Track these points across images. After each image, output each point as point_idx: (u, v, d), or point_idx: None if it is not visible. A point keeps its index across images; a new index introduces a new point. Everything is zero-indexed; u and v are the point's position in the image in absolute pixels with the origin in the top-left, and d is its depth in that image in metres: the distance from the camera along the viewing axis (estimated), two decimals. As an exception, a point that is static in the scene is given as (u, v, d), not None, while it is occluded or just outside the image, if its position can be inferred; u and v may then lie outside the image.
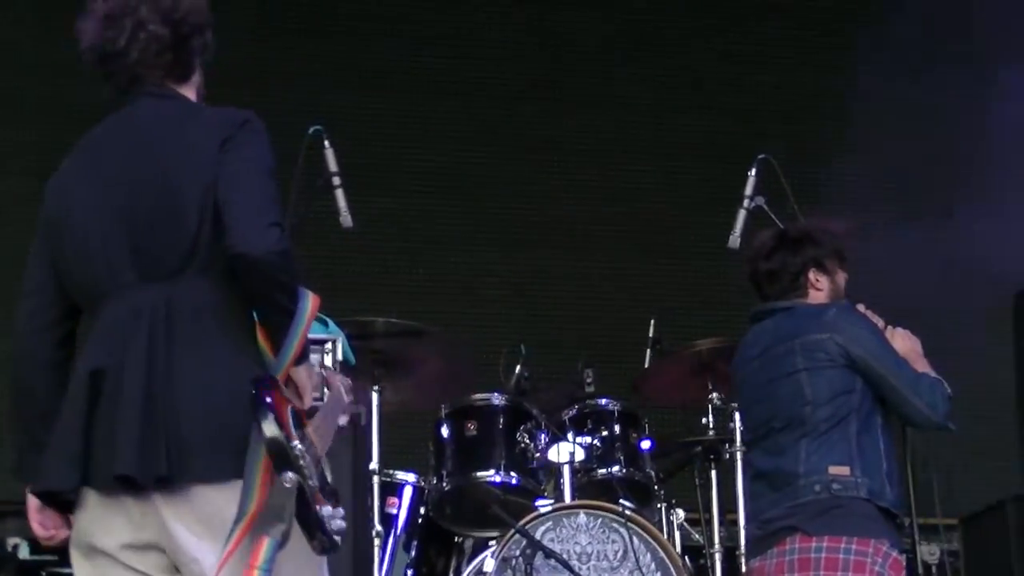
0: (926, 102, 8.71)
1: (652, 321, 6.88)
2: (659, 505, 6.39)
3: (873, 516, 5.04)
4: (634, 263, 8.49)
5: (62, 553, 4.12)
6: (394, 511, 6.26)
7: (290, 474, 3.52)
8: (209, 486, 3.64)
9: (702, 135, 8.62)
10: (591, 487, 6.27)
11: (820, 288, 5.37)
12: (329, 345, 5.38)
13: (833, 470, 5.05)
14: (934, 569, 6.33)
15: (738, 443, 6.39)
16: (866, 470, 5.06)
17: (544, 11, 8.73)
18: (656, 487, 6.37)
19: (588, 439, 6.32)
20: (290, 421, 3.59)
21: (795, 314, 5.32)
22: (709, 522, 6.39)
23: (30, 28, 8.00)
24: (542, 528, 5.90)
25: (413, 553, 6.25)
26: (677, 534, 6.41)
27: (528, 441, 6.22)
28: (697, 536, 6.50)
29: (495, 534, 6.04)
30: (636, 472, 6.31)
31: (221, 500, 3.63)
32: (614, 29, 8.74)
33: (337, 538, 3.60)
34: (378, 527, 6.05)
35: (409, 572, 6.20)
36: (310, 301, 3.76)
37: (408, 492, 6.29)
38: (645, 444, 6.39)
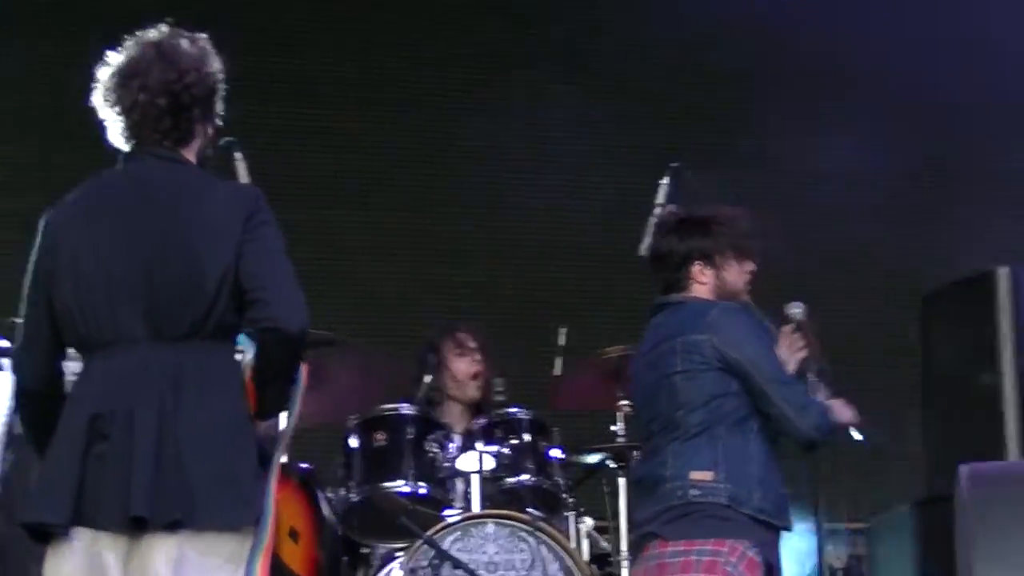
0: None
1: (562, 330, 6.82)
2: (568, 514, 6.37)
3: (733, 519, 4.93)
4: (543, 271, 8.49)
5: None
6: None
7: None
8: (213, 534, 3.91)
9: (616, 143, 8.65)
10: (500, 496, 6.27)
11: (703, 282, 5.18)
12: (239, 356, 5.20)
13: (695, 475, 4.93)
14: (840, 573, 6.38)
15: None
16: (731, 476, 4.93)
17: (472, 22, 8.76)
18: (565, 495, 6.36)
19: (497, 448, 6.32)
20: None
21: (683, 310, 5.18)
22: (617, 530, 6.36)
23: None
24: (450, 538, 5.90)
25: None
26: (585, 542, 6.39)
27: (437, 451, 6.21)
28: (605, 544, 6.49)
29: (403, 545, 6.03)
30: (545, 481, 6.31)
31: (219, 545, 3.92)
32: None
33: None
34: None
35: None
36: (303, 372, 4.09)
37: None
38: (555, 453, 6.39)
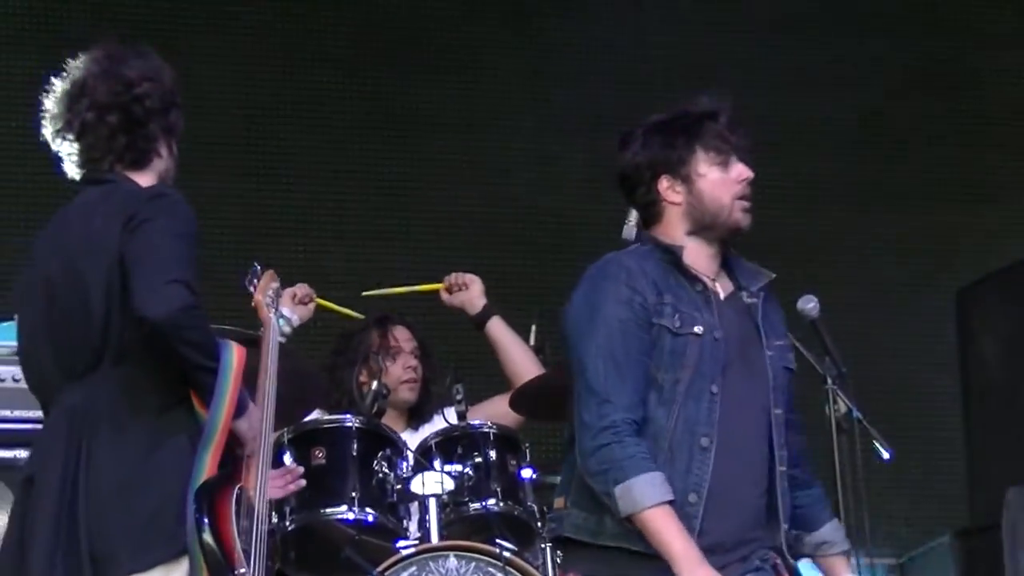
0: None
1: (533, 327, 6.58)
2: (542, 545, 5.97)
3: (574, 551, 4.33)
4: (510, 261, 8.35)
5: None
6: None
7: None
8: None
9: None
10: (463, 524, 5.94)
11: (675, 202, 4.30)
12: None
13: (556, 504, 4.40)
14: None
15: None
16: (578, 501, 4.28)
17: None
18: (539, 523, 5.97)
19: (458, 467, 5.96)
20: (233, 526, 4.01)
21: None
22: None
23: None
24: (405, 574, 5.59)
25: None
26: None
27: (387, 471, 5.83)
28: None
29: (348, 583, 5.87)
30: (515, 506, 5.96)
31: None
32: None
33: None
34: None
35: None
36: (234, 353, 4.07)
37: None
38: (526, 473, 6.04)
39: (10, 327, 5.40)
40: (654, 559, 4.16)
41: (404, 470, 5.86)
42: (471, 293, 6.37)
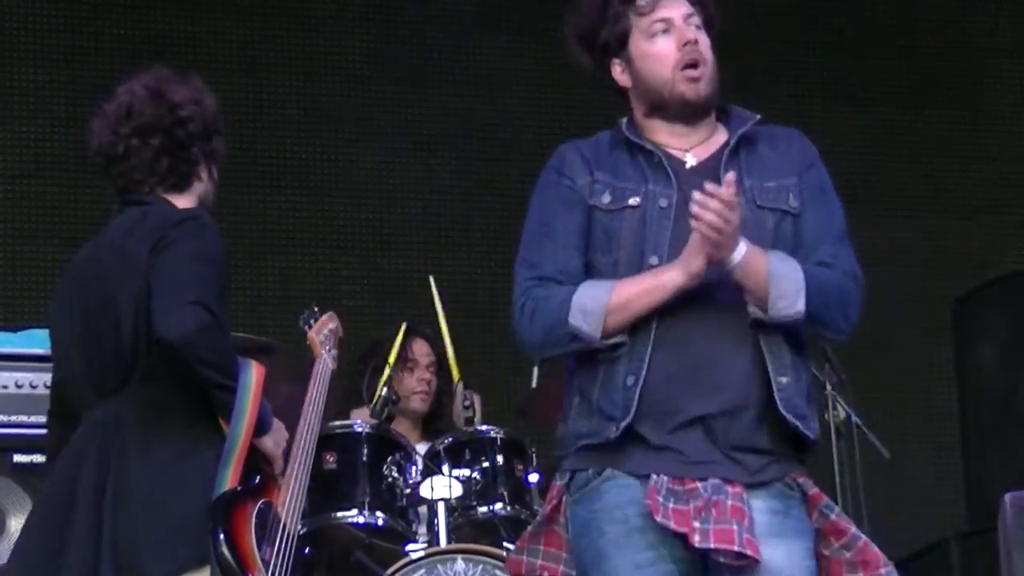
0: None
1: None
2: None
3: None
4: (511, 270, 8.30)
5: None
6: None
7: None
8: None
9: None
10: (470, 528, 5.97)
11: (626, 84, 3.98)
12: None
13: None
14: None
15: None
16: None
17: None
18: None
19: (466, 472, 5.99)
20: (253, 542, 4.10)
21: None
22: None
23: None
24: None
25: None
26: None
27: (396, 475, 5.87)
28: None
29: (359, 585, 5.92)
30: (523, 510, 5.97)
31: None
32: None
33: None
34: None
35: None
36: (253, 373, 4.14)
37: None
38: (533, 477, 6.08)
39: (29, 335, 5.78)
40: (591, 452, 3.85)
41: (413, 475, 5.90)
42: (456, 407, 6.31)
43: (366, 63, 8.39)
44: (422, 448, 6.18)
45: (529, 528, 4.01)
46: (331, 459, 5.88)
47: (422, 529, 5.90)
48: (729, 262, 3.78)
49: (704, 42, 3.90)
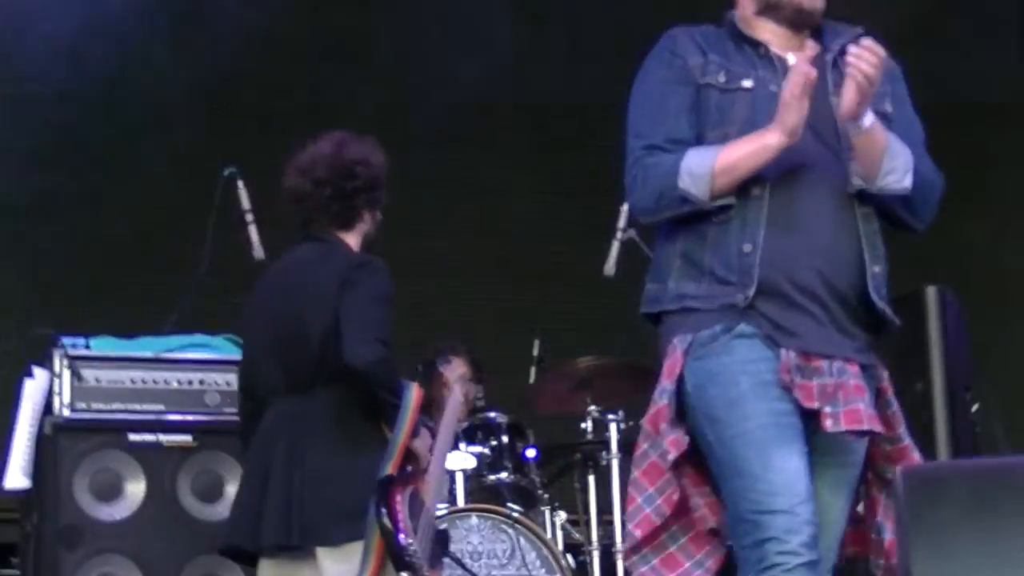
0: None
1: (536, 341, 7.10)
2: (543, 508, 6.60)
3: None
4: (520, 289, 8.64)
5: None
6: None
7: (404, 574, 4.57)
8: (327, 548, 4.63)
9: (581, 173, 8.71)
10: (482, 492, 6.46)
11: None
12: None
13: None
14: None
15: (614, 451, 6.55)
16: (653, 277, 4.06)
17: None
18: (540, 491, 6.59)
19: (479, 448, 6.52)
20: (406, 514, 4.58)
21: None
22: (588, 523, 6.56)
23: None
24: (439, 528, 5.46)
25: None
26: (559, 534, 6.60)
27: None
28: (577, 535, 6.67)
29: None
30: (522, 478, 6.50)
31: (337, 556, 4.61)
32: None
33: None
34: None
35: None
36: (413, 393, 4.67)
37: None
38: (530, 453, 6.58)
39: (140, 342, 5.96)
40: (709, 313, 3.78)
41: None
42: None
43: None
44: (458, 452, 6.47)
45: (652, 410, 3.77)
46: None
47: (444, 492, 6.21)
48: (860, 125, 3.73)
49: None
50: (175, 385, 5.84)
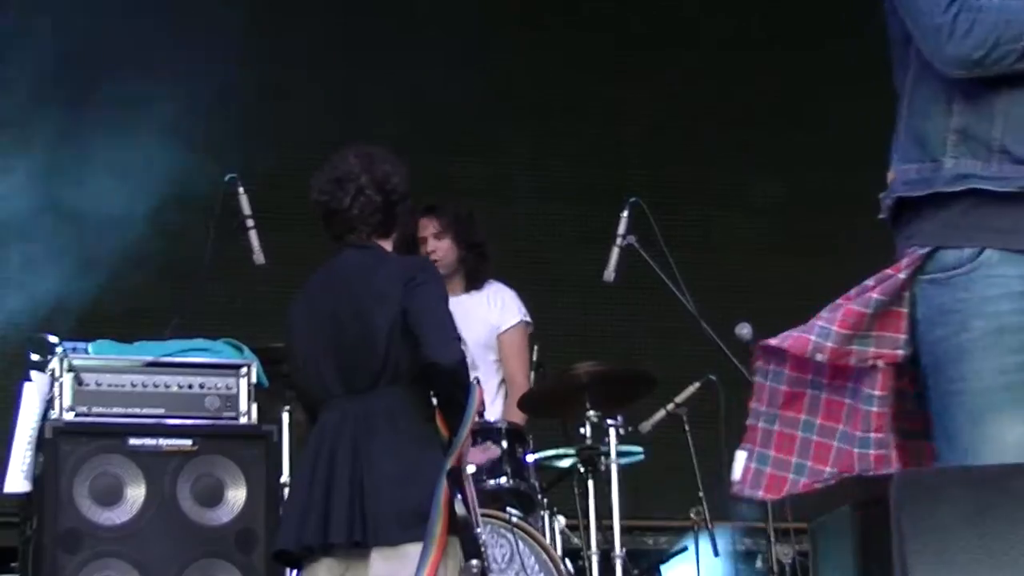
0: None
1: (535, 347, 7.07)
2: (542, 512, 6.57)
3: None
4: (520, 295, 8.28)
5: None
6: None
7: (475, 561, 4.76)
8: (384, 548, 4.77)
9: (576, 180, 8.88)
10: (482, 496, 6.02)
11: None
12: (244, 369, 5.95)
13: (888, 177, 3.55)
14: (787, 569, 6.73)
15: (612, 456, 6.54)
16: (906, 155, 3.49)
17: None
18: (539, 496, 6.56)
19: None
20: (475, 505, 4.80)
21: None
22: (587, 528, 6.56)
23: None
24: None
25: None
26: (558, 539, 6.58)
27: None
28: (576, 540, 6.68)
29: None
30: (522, 483, 6.46)
31: (390, 555, 4.75)
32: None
33: None
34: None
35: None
36: (476, 394, 4.87)
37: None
38: (530, 458, 6.55)
39: (140, 346, 5.95)
40: (1008, 200, 3.23)
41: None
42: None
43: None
44: (467, 299, 6.68)
45: (854, 308, 3.29)
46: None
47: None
48: None
49: None
50: (175, 389, 5.87)
